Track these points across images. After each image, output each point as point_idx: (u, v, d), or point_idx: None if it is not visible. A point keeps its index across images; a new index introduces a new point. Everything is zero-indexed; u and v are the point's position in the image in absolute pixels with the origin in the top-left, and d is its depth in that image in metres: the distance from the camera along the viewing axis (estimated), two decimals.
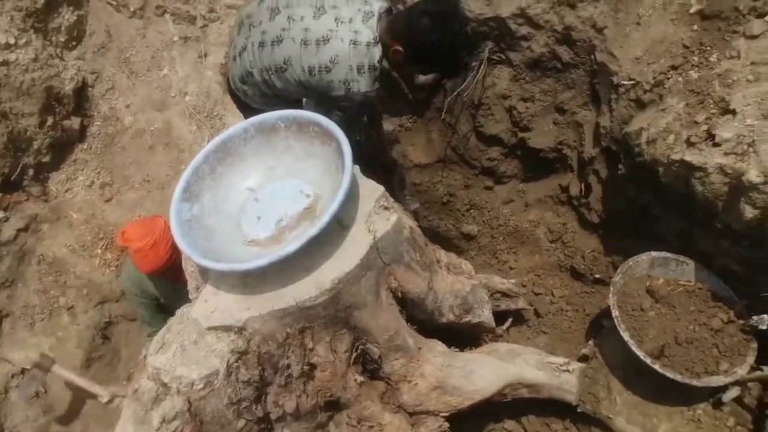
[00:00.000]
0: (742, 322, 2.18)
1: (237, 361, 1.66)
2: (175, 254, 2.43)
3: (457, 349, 2.21)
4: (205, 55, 3.27)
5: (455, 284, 2.09)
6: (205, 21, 3.14)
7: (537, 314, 2.87)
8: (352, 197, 1.75)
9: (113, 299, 3.16)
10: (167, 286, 2.75)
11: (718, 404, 2.25)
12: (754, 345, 2.15)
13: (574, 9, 2.65)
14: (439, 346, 2.11)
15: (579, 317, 2.81)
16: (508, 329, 2.69)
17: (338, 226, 1.72)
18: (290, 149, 1.89)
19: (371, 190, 1.80)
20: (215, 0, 3.09)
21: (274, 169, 1.91)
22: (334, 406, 1.98)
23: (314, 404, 1.88)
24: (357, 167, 1.82)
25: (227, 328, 1.65)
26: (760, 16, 2.12)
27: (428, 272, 1.96)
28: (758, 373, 2.10)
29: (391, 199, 1.81)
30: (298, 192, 1.84)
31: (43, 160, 3.12)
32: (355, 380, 1.92)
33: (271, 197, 1.86)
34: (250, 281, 1.68)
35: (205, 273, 1.85)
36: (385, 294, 1.83)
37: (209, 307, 1.69)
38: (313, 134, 1.85)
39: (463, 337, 2.35)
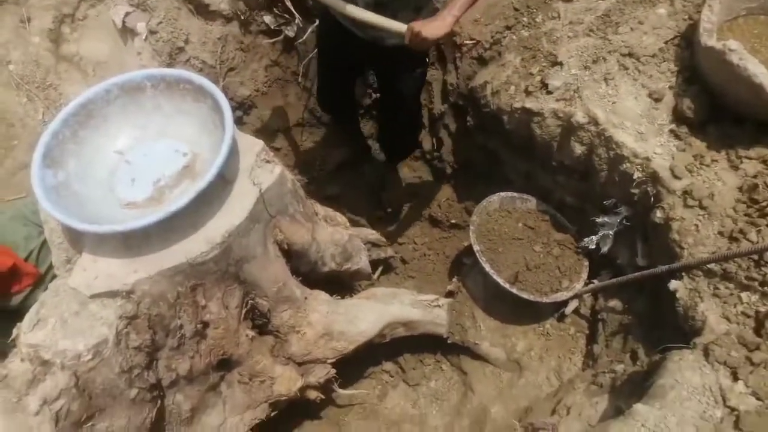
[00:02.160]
0: (575, 245, 2.56)
1: (126, 327, 1.61)
2: None
3: (339, 297, 2.31)
4: (29, 20, 2.94)
5: (335, 234, 2.19)
6: None
7: (403, 261, 3.07)
8: (233, 152, 1.75)
9: None
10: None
11: (561, 317, 2.64)
12: (586, 263, 2.54)
13: None
14: (323, 295, 2.20)
15: (440, 259, 3.08)
16: (379, 277, 2.86)
17: (222, 182, 1.72)
18: (160, 108, 1.83)
19: (250, 144, 1.82)
20: None
21: (144, 130, 1.83)
22: (225, 365, 1.99)
23: (207, 363, 1.88)
24: (234, 125, 1.82)
25: (113, 294, 1.58)
26: None
27: (310, 223, 2.03)
28: (591, 285, 2.48)
29: (272, 153, 1.85)
30: (173, 151, 1.79)
31: None
32: (247, 335, 1.94)
33: (144, 158, 1.79)
34: (135, 244, 1.62)
35: (76, 243, 1.73)
36: (272, 246, 1.87)
37: (90, 274, 1.60)
38: (184, 92, 1.80)
39: (340, 287, 2.46)
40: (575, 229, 2.59)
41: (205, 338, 1.81)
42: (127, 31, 3.02)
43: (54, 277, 2.70)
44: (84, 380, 1.58)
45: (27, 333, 1.57)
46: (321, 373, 2.24)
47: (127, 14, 2.95)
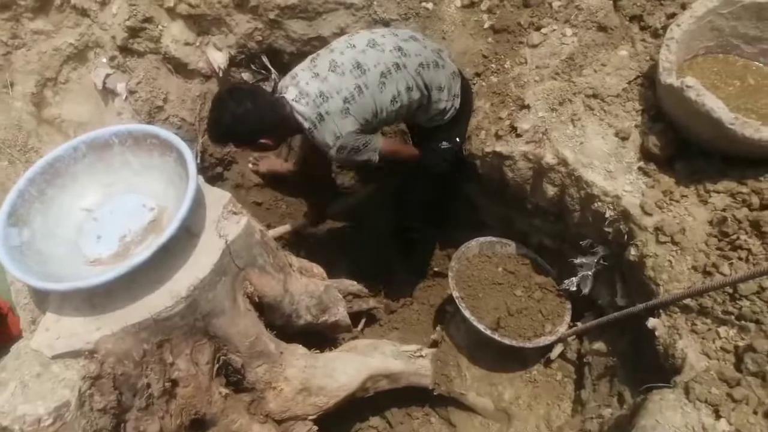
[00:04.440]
0: (557, 287, 2.54)
1: (90, 388, 1.56)
2: None
3: (318, 351, 2.27)
4: (12, 85, 3.01)
5: (309, 285, 2.16)
6: (8, 48, 2.90)
7: (388, 311, 3.03)
8: (198, 205, 1.75)
9: None
10: None
11: (547, 363, 2.58)
12: (569, 305, 2.51)
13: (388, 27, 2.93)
14: (300, 349, 2.15)
15: (425, 309, 3.04)
16: (362, 329, 2.82)
17: (187, 235, 1.71)
18: (128, 164, 1.84)
19: (217, 197, 1.82)
20: (19, 25, 2.87)
21: (111, 187, 1.84)
22: (199, 425, 1.92)
23: (179, 424, 1.81)
24: (201, 177, 1.83)
25: (76, 354, 1.54)
26: (538, 29, 2.53)
27: (282, 274, 2.01)
28: (575, 328, 2.44)
29: (239, 205, 1.85)
30: (140, 206, 1.79)
31: None
32: (220, 393, 1.89)
33: (111, 215, 1.79)
34: (99, 301, 1.59)
35: (41, 303, 1.71)
36: (242, 299, 1.84)
37: (52, 334, 1.57)
38: (150, 146, 1.82)
39: (321, 340, 2.42)
40: (556, 272, 2.58)
41: (174, 397, 1.76)
42: (107, 92, 3.08)
43: None
44: None
45: None
46: (302, 431, 2.17)
47: (107, 76, 3.02)
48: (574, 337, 2.51)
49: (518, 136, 2.32)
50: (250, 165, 3.41)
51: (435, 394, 2.58)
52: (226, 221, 1.76)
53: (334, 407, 2.23)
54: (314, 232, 3.29)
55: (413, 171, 2.66)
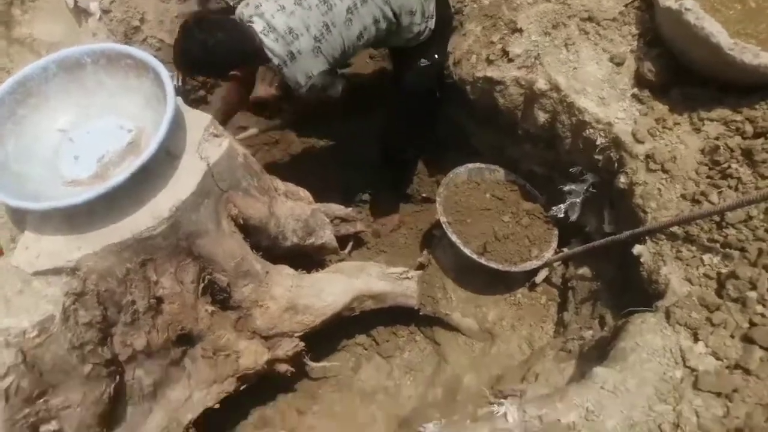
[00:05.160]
0: (544, 214, 2.54)
1: (74, 303, 1.59)
2: None
3: (305, 272, 2.30)
4: None
5: (295, 209, 2.16)
6: None
7: (375, 235, 3.05)
8: (179, 126, 1.72)
9: None
10: None
11: (533, 286, 2.63)
12: (556, 232, 2.52)
13: None
14: (286, 269, 2.18)
15: (412, 233, 3.06)
16: (350, 252, 2.84)
17: (168, 157, 1.69)
18: (102, 85, 1.79)
19: (198, 118, 1.78)
20: None
21: (87, 108, 1.80)
22: (187, 340, 1.98)
23: (166, 339, 1.87)
24: (180, 99, 1.78)
25: (57, 271, 1.57)
26: None
27: (267, 197, 2.00)
28: (561, 254, 2.47)
29: (221, 127, 1.81)
30: (117, 128, 1.76)
31: None
32: (206, 310, 1.93)
33: (87, 136, 1.76)
34: (79, 221, 1.60)
35: (20, 222, 1.71)
36: (226, 222, 1.85)
37: (32, 253, 1.58)
38: (126, 67, 1.76)
39: (308, 262, 2.44)
40: (544, 199, 2.57)
41: (161, 313, 1.80)
42: (80, 12, 2.94)
43: None
44: (32, 357, 1.57)
45: None
46: (288, 347, 2.24)
47: None
48: (560, 262, 2.54)
49: (510, 60, 2.24)
50: None
51: (421, 314, 2.64)
52: (208, 143, 1.74)
53: (321, 325, 2.29)
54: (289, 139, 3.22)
55: (397, 94, 2.59)
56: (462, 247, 2.41)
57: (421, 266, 2.70)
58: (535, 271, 2.56)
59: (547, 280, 2.60)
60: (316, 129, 3.28)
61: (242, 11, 2.19)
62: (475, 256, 2.41)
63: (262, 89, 3.13)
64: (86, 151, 1.72)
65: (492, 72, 2.28)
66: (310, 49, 2.13)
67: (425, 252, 2.74)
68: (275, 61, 2.15)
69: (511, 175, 2.63)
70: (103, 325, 1.69)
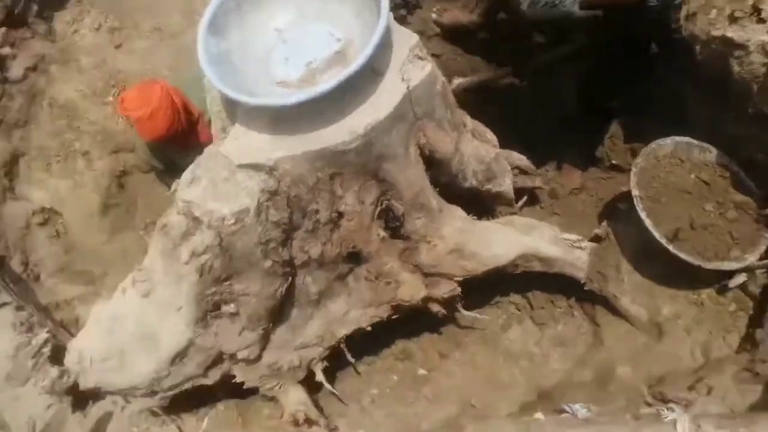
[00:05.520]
0: (758, 211, 2.21)
1: (267, 201, 1.70)
2: (177, 122, 2.36)
3: (476, 218, 2.25)
4: None
5: (480, 149, 2.10)
6: None
7: (551, 195, 2.89)
8: (386, 44, 1.71)
9: (128, 149, 3.09)
10: (175, 153, 2.75)
11: (722, 290, 2.33)
12: (767, 235, 2.19)
13: None
14: (459, 211, 2.15)
15: (592, 201, 2.84)
16: (521, 207, 2.72)
17: (372, 73, 1.69)
18: None
19: (406, 38, 1.76)
20: None
21: (302, 10, 1.85)
22: (355, 258, 2.05)
23: (337, 253, 1.95)
24: (391, 14, 1.77)
25: (258, 167, 1.67)
26: None
27: (456, 132, 1.96)
28: (767, 262, 2.15)
29: (425, 50, 1.78)
30: (328, 35, 1.79)
31: None
32: (378, 234, 1.97)
33: (299, 39, 1.82)
34: (282, 122, 1.68)
35: (232, 113, 1.84)
36: (413, 150, 1.84)
37: (240, 144, 1.70)
38: None
39: (480, 209, 2.38)
40: (761, 194, 2.23)
41: (338, 228, 1.87)
42: None
43: None
44: (226, 242, 1.72)
45: (184, 189, 1.72)
46: (446, 289, 2.22)
47: None
48: (765, 271, 2.21)
49: (761, 21, 1.91)
50: (434, 14, 3.25)
51: (585, 288, 2.48)
52: (411, 65, 1.72)
53: (482, 275, 2.24)
54: (499, 90, 3.11)
55: (614, 37, 2.33)
56: (651, 228, 2.19)
57: (596, 238, 2.51)
58: (730, 274, 2.26)
59: (742, 286, 2.28)
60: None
61: None
62: (663, 241, 2.18)
63: (463, 14, 3.02)
64: (296, 53, 1.78)
65: (733, 32, 1.96)
66: None
67: (604, 224, 2.53)
68: None
69: (725, 158, 2.31)
70: (288, 227, 1.79)
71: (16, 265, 2.59)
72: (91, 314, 2.15)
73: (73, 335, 2.56)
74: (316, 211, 1.78)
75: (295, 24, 1.83)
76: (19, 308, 2.35)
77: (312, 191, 1.73)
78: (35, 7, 2.87)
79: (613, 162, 2.84)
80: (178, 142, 2.48)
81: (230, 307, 1.91)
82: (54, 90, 2.96)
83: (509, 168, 2.28)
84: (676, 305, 2.40)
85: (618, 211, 2.59)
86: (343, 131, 1.63)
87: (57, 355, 2.16)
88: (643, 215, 2.21)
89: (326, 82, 1.51)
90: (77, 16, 3.02)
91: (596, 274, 2.45)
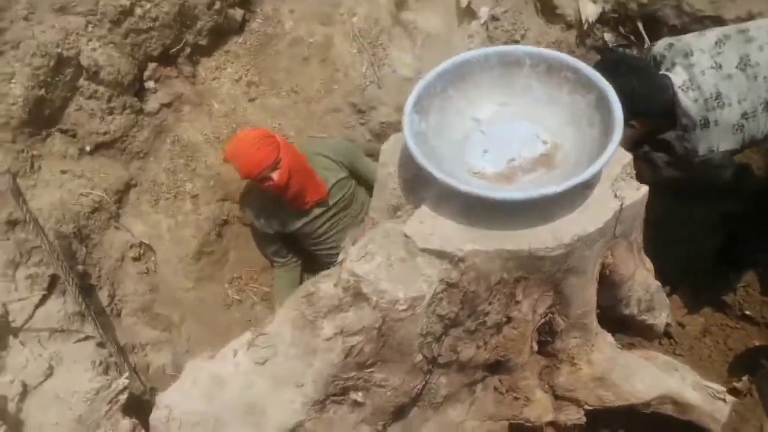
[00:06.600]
0: None
1: (443, 292, 1.55)
2: (296, 173, 2.53)
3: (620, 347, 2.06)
4: None
5: (648, 278, 1.94)
6: None
7: (668, 336, 2.70)
8: None
9: (234, 199, 3.11)
10: (279, 211, 2.77)
11: None
12: None
13: None
14: (609, 337, 1.97)
15: (720, 349, 2.65)
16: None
17: (584, 184, 1.57)
18: (530, 90, 1.74)
19: (619, 154, 1.65)
20: None
21: (506, 106, 1.76)
22: (496, 367, 1.86)
23: (486, 359, 1.77)
24: None
25: (442, 255, 1.53)
26: None
27: (639, 257, 1.81)
28: None
29: (634, 171, 1.66)
30: (533, 135, 1.69)
31: (201, 42, 3.09)
32: (532, 347, 1.80)
33: (499, 134, 1.72)
34: (478, 214, 1.55)
35: (410, 195, 1.73)
36: (597, 268, 1.69)
37: (426, 228, 1.57)
38: (562, 80, 1.69)
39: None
40: None
41: (499, 333, 1.70)
42: (468, 12, 3.05)
43: (341, 211, 2.89)
44: (387, 327, 1.56)
45: (354, 261, 1.58)
46: (573, 416, 2.01)
47: None
48: None
49: None
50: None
51: None
52: (624, 183, 1.60)
53: (616, 408, 2.03)
54: None
55: None
56: None
57: (735, 392, 2.30)
58: None
59: None
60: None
61: (663, 52, 2.03)
62: None
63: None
64: (496, 147, 1.68)
65: None
66: (732, 123, 1.89)
67: (745, 378, 2.33)
68: (682, 120, 1.95)
69: None
70: (450, 323, 1.62)
71: (103, 296, 2.48)
72: (186, 369, 1.95)
73: (143, 383, 2.38)
74: (486, 313, 1.62)
75: (495, 119, 1.74)
76: (100, 345, 2.21)
77: (490, 290, 1.58)
78: (188, 50, 2.94)
79: (746, 312, 2.67)
80: (290, 197, 2.58)
81: (358, 395, 1.72)
82: (180, 129, 2.97)
83: (668, 302, 2.12)
84: None
85: (762, 368, 2.39)
86: (546, 237, 1.50)
87: (128, 405, 2.00)
88: None
89: (560, 185, 1.39)
90: (221, 65, 3.07)
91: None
